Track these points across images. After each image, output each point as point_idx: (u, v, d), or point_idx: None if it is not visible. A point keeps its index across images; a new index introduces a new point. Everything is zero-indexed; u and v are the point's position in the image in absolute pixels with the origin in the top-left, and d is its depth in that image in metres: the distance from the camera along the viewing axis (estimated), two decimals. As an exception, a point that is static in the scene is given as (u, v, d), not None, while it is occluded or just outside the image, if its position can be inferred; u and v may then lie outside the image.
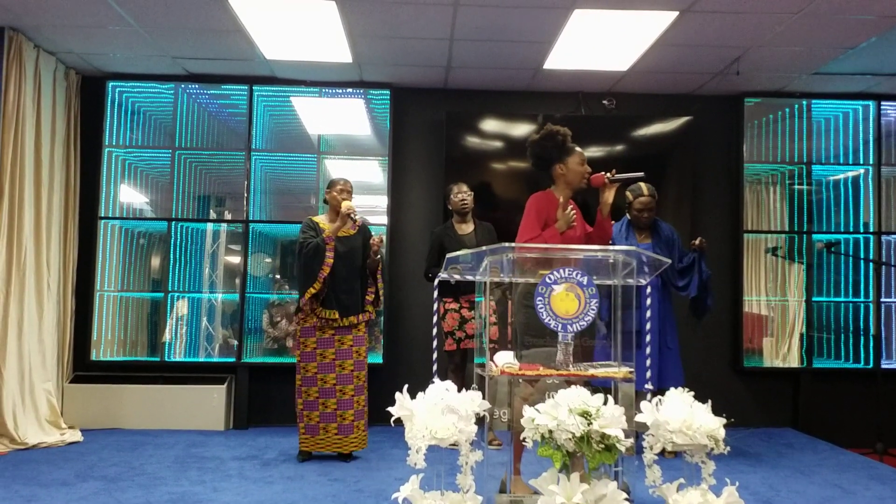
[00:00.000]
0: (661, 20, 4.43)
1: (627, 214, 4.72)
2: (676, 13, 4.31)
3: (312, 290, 4.27)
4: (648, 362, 3.31)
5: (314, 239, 4.31)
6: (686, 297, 4.67)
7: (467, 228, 4.96)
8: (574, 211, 3.54)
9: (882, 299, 5.75)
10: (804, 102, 5.81)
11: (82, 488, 3.71)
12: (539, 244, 3.28)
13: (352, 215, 4.31)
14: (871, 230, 5.79)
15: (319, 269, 4.26)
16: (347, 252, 4.40)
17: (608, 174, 3.49)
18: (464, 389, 2.79)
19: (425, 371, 3.78)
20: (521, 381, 2.99)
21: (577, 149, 3.54)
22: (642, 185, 4.57)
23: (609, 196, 3.55)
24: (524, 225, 3.49)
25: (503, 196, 5.63)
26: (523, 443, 2.63)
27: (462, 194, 4.94)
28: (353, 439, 4.38)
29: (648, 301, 3.35)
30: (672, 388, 2.83)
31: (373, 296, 4.52)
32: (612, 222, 4.59)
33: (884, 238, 5.80)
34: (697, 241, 4.58)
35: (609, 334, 3.17)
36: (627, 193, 4.64)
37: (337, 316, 4.33)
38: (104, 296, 5.58)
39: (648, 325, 3.36)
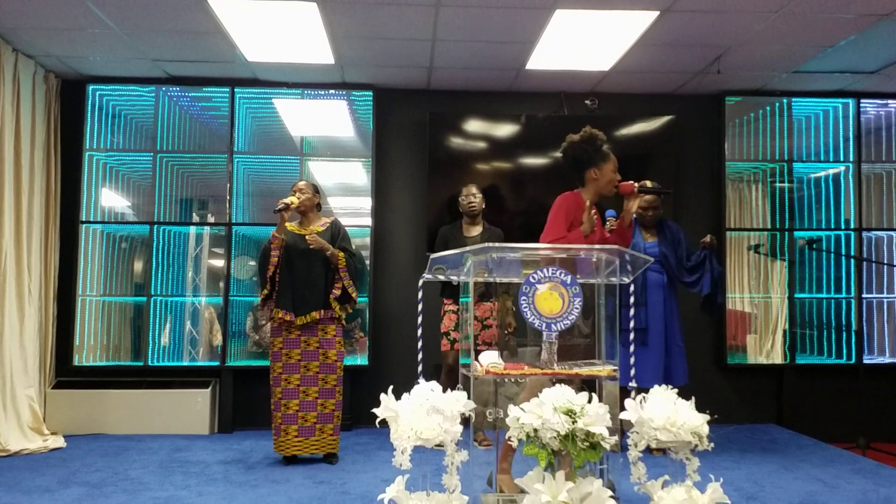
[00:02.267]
0: (641, 20, 4.45)
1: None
2: (657, 13, 4.34)
3: (265, 292, 4.39)
4: (631, 361, 3.32)
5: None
6: (697, 293, 4.72)
7: (474, 231, 4.94)
8: (595, 215, 3.55)
9: (863, 295, 5.81)
10: (785, 101, 5.86)
11: (66, 495, 3.68)
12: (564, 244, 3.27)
13: (278, 205, 4.32)
14: (852, 227, 5.86)
15: (266, 270, 4.36)
16: (308, 251, 4.33)
17: (637, 184, 3.50)
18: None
19: (411, 372, 3.78)
20: (507, 380, 3.00)
21: (612, 155, 3.55)
22: (648, 183, 4.58)
23: (634, 205, 3.55)
24: (551, 224, 3.46)
25: (486, 196, 5.60)
26: (509, 442, 2.64)
27: (469, 196, 4.92)
28: (314, 442, 4.34)
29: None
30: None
31: (339, 291, 4.35)
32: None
33: (864, 234, 5.86)
34: (708, 239, 4.66)
35: (614, 331, 3.18)
36: None
37: (290, 318, 4.30)
38: (86, 300, 5.53)
39: (633, 323, 3.36)
